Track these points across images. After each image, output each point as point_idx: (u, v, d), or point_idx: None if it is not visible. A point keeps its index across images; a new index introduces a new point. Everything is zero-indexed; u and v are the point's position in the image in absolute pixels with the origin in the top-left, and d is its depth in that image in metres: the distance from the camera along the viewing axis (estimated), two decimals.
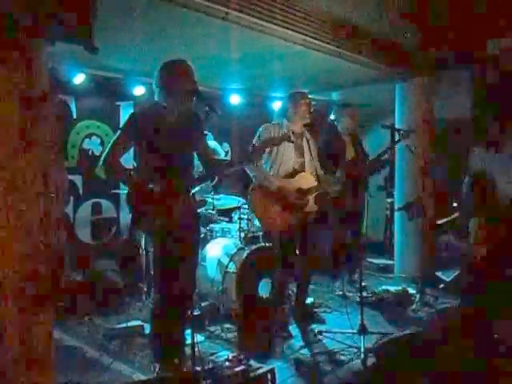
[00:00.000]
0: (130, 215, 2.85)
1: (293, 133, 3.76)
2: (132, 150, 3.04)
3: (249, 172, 3.65)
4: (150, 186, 2.71)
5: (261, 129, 3.76)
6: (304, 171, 3.74)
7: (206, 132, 5.85)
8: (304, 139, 3.83)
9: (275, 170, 3.71)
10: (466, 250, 3.36)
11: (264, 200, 3.59)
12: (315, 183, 3.68)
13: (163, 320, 2.88)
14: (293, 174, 3.69)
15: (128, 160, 3.11)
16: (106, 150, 2.81)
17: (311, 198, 3.67)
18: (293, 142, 3.57)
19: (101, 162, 2.81)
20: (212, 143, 5.17)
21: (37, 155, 2.05)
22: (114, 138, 2.86)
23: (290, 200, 3.59)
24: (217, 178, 2.84)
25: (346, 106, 5.04)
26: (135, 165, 2.95)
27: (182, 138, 2.83)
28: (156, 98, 2.89)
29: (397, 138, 3.85)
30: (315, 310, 4.25)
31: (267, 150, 3.61)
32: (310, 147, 3.83)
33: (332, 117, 5.12)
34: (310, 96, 3.89)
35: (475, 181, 3.45)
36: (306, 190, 3.62)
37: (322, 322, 3.98)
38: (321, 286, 5.02)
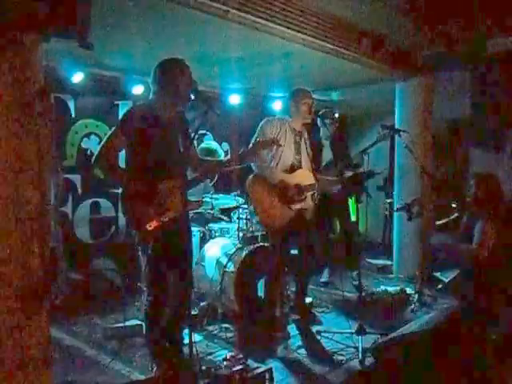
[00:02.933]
0: (124, 215, 2.83)
1: (293, 130, 3.78)
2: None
3: (252, 164, 3.64)
4: (143, 186, 2.67)
5: (263, 122, 3.74)
6: (301, 168, 3.77)
7: (204, 132, 5.93)
8: (302, 138, 3.85)
9: (275, 165, 3.71)
10: (467, 251, 3.34)
11: (264, 193, 3.57)
12: (313, 181, 3.68)
13: (157, 321, 2.87)
14: (291, 170, 3.71)
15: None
16: (100, 148, 2.68)
17: (309, 194, 3.68)
18: (281, 146, 3.55)
19: (94, 160, 2.68)
20: (212, 143, 5.16)
21: (33, 154, 2.04)
22: (109, 134, 2.73)
23: (289, 195, 3.60)
24: (216, 177, 2.82)
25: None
26: (125, 165, 2.84)
27: (173, 138, 2.80)
28: (152, 96, 2.88)
29: (399, 137, 3.84)
30: (314, 310, 4.24)
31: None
32: (306, 147, 3.85)
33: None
34: None
35: (480, 182, 3.44)
36: (304, 187, 3.64)
37: (320, 322, 3.96)
38: (320, 286, 5.03)
